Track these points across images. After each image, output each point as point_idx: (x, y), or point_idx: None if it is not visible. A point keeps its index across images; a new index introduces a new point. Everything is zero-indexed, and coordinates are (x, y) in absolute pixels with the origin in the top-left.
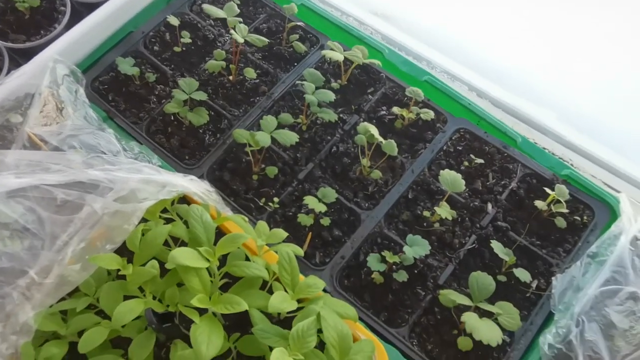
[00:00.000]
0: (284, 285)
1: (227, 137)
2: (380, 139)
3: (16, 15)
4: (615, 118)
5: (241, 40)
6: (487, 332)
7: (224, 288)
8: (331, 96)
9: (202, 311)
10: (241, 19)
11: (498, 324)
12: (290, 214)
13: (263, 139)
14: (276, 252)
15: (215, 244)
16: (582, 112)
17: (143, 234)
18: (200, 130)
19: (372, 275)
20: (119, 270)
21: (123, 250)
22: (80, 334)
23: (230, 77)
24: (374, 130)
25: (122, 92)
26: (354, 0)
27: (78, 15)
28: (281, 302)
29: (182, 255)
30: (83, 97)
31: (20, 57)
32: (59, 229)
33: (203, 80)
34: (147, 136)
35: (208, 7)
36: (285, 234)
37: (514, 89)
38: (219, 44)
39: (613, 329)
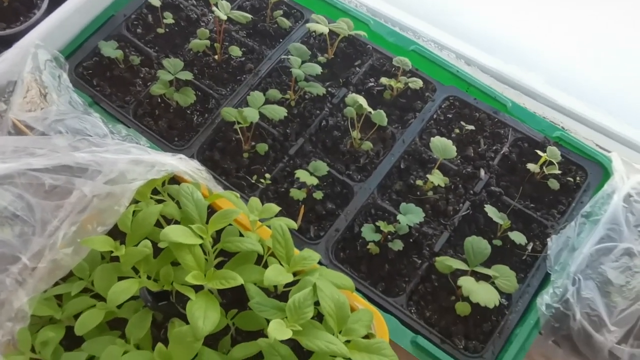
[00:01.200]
0: (278, 259)
1: (216, 116)
2: (369, 109)
3: None
4: (603, 78)
5: (224, 17)
6: (484, 295)
7: (220, 267)
8: (317, 69)
9: (197, 288)
10: None
11: (495, 287)
12: (283, 189)
13: (251, 114)
14: (269, 227)
15: (206, 221)
16: (571, 74)
17: (134, 215)
18: (188, 111)
19: (368, 246)
20: (112, 253)
21: (115, 233)
22: (76, 317)
23: (216, 57)
24: (362, 101)
25: (107, 77)
26: None
27: (57, 0)
28: (276, 275)
29: (175, 233)
30: (67, 82)
31: (3, 45)
32: (49, 215)
33: (188, 61)
34: (134, 119)
35: None
36: (277, 208)
37: (501, 54)
38: (202, 24)
39: (609, 286)
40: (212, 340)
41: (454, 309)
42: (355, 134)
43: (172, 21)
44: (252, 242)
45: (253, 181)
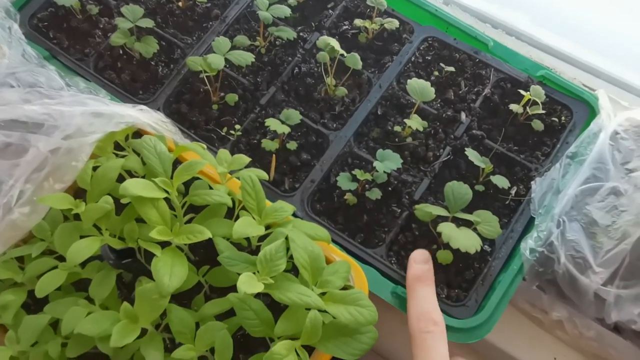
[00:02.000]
0: (249, 212)
1: (182, 67)
2: (342, 51)
3: None
4: (590, 16)
5: None
6: (464, 240)
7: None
8: (287, 11)
9: (164, 245)
10: None
11: (477, 234)
12: (255, 141)
13: (216, 61)
14: (239, 179)
15: (171, 175)
16: (557, 12)
17: (94, 171)
18: (152, 63)
19: (345, 197)
20: (72, 211)
21: (76, 191)
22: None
23: (180, 4)
24: (334, 43)
25: (64, 29)
26: None
27: None
28: (246, 227)
29: (136, 186)
30: (18, 33)
31: None
32: (4, 175)
33: (150, 9)
34: (95, 73)
35: None
36: (247, 159)
37: None
38: None
39: (595, 226)
40: (185, 299)
41: (436, 257)
42: (329, 80)
43: None
44: (220, 195)
45: (223, 133)
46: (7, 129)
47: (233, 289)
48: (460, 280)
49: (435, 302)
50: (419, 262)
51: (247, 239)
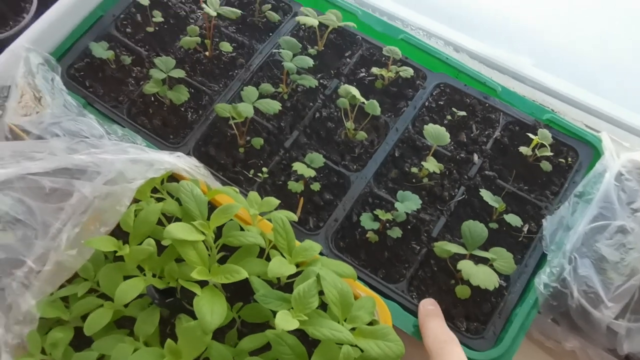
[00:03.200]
0: (280, 251)
1: (210, 112)
2: (362, 99)
3: None
4: (590, 59)
5: (214, 14)
6: (484, 277)
7: (222, 261)
8: (309, 62)
9: (202, 284)
10: None
11: (494, 270)
12: (280, 182)
13: (246, 109)
14: (270, 221)
15: (207, 217)
16: (558, 56)
17: (136, 214)
18: (182, 109)
19: (367, 235)
20: (115, 253)
21: (118, 233)
22: (83, 318)
23: (207, 53)
24: (355, 92)
25: (99, 78)
26: None
27: (45, 3)
28: (280, 266)
29: (178, 230)
30: (60, 84)
31: None
32: (50, 217)
33: (179, 58)
34: (128, 119)
35: None
36: (277, 202)
37: (489, 39)
38: (191, 20)
39: (605, 263)
40: (219, 334)
41: (454, 292)
42: (349, 124)
43: (161, 19)
44: (254, 236)
45: (250, 175)
46: (53, 176)
47: (264, 323)
48: (478, 314)
49: (447, 328)
50: (427, 304)
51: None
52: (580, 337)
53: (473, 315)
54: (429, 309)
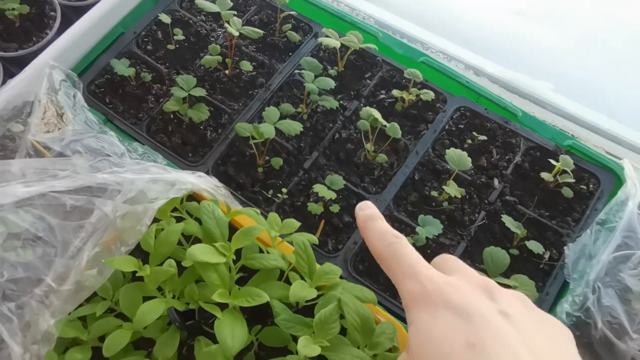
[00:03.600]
0: (301, 274)
1: (229, 131)
2: (384, 122)
3: (5, 24)
4: (611, 85)
5: (236, 34)
6: None
7: (240, 282)
8: (331, 83)
9: (222, 306)
10: (235, 12)
11: None
12: (299, 203)
13: (267, 130)
14: (289, 243)
15: (227, 238)
16: (579, 81)
17: (156, 235)
18: (201, 127)
19: None
20: (133, 272)
21: (136, 252)
22: (100, 338)
23: (227, 72)
24: (377, 114)
25: (119, 94)
26: None
27: (68, 20)
28: (301, 290)
29: (200, 252)
30: (81, 101)
31: (13, 66)
32: (70, 235)
33: (199, 77)
34: (148, 136)
35: (201, 2)
36: (297, 224)
37: (509, 63)
38: (212, 39)
39: (629, 293)
40: (236, 357)
41: None
42: (369, 146)
43: (182, 37)
44: (275, 259)
45: (269, 195)
46: (75, 193)
47: (283, 347)
48: None
49: (392, 229)
50: (364, 207)
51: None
52: None
53: None
54: (368, 213)
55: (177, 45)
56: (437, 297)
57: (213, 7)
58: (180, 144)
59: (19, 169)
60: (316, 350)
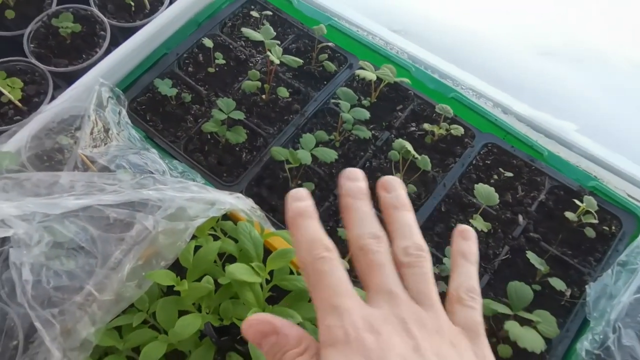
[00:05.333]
0: None
1: (264, 154)
2: (416, 154)
3: (57, 41)
4: (635, 129)
5: (277, 62)
6: (531, 340)
7: (269, 302)
8: (366, 114)
9: None
10: (279, 42)
11: (537, 332)
12: (329, 228)
13: (304, 156)
14: None
15: (263, 259)
16: (601, 123)
17: (194, 251)
18: (237, 148)
19: None
20: (169, 286)
21: (172, 267)
22: (134, 349)
23: (264, 97)
24: (409, 147)
25: (159, 112)
26: (379, 20)
27: (116, 39)
28: None
29: (239, 271)
30: (126, 118)
31: (62, 80)
32: (112, 247)
33: (237, 100)
34: (185, 154)
35: (246, 31)
36: None
37: (536, 103)
38: (250, 64)
39: None
40: None
41: (496, 350)
42: (399, 176)
43: (222, 61)
44: None
45: None
46: (117, 207)
47: None
48: None
49: (324, 232)
50: (297, 199)
51: None
52: None
53: None
54: (302, 206)
55: (217, 69)
56: (355, 342)
57: (257, 36)
58: (216, 164)
59: (68, 181)
60: None
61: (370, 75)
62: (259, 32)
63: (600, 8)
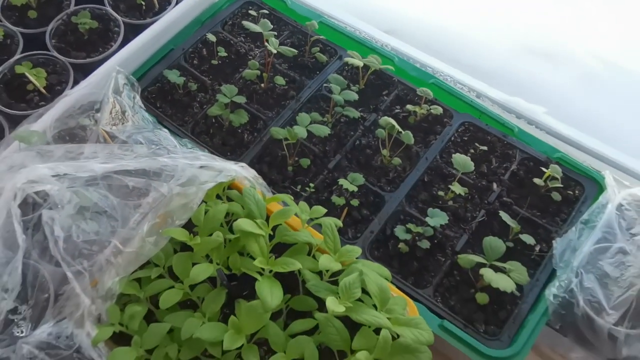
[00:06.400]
0: (327, 251)
1: (264, 135)
2: (400, 129)
3: (76, 36)
4: (595, 109)
5: (274, 51)
6: (503, 282)
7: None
8: (354, 96)
9: (260, 274)
10: (275, 33)
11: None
12: (323, 198)
13: (300, 131)
14: (314, 228)
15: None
16: (567, 106)
17: (205, 212)
18: (239, 130)
19: (399, 246)
20: (182, 246)
21: (186, 228)
22: (151, 299)
23: (262, 85)
24: (394, 122)
25: (168, 100)
26: (366, 19)
27: (128, 35)
28: (329, 262)
29: (246, 224)
30: (139, 102)
31: (80, 72)
32: (131, 211)
33: (238, 88)
34: (192, 136)
35: (247, 24)
36: (324, 210)
37: (507, 88)
38: (250, 57)
39: (607, 278)
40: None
41: (474, 299)
42: (385, 152)
43: (224, 54)
44: (306, 235)
45: (297, 190)
46: (135, 176)
47: (308, 313)
48: (495, 319)
49: None
50: None
51: (320, 273)
52: (585, 348)
53: (491, 320)
54: None
55: (220, 61)
56: None
57: (256, 28)
58: (221, 144)
59: (91, 152)
60: (341, 308)
61: (358, 62)
62: (257, 26)
63: (573, 13)
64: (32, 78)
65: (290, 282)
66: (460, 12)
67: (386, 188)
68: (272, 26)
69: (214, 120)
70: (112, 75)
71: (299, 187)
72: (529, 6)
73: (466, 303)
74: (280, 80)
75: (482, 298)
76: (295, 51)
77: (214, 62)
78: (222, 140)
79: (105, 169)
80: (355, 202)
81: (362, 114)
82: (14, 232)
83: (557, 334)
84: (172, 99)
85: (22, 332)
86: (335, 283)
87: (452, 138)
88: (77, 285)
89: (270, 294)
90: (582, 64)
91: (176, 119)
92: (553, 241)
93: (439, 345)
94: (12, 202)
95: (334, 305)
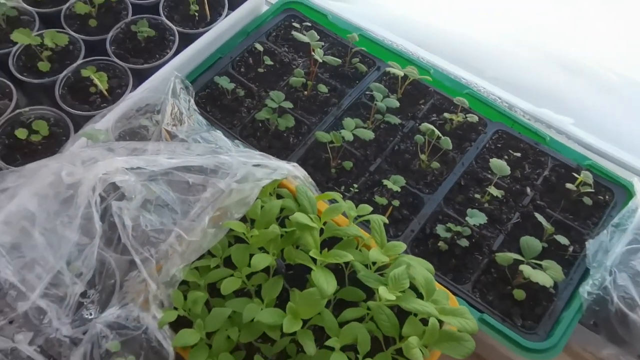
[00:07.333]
0: (375, 246)
1: (308, 139)
2: (439, 134)
3: (134, 44)
4: (624, 121)
5: (320, 60)
6: (542, 277)
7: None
8: (396, 103)
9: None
10: (322, 44)
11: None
12: (365, 198)
13: (347, 135)
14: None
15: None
16: (594, 117)
17: (261, 207)
18: (285, 134)
19: (438, 244)
20: (238, 239)
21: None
22: (210, 286)
23: (306, 92)
24: (434, 129)
25: (217, 105)
26: (398, 32)
27: (181, 44)
28: (378, 254)
29: (302, 217)
30: (194, 106)
31: (137, 77)
32: (189, 206)
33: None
34: (241, 139)
35: (296, 34)
36: (370, 208)
37: (536, 100)
38: (293, 66)
39: (639, 277)
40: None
41: (511, 295)
42: (424, 157)
43: (270, 63)
44: (356, 230)
45: (341, 191)
46: (194, 173)
47: (354, 305)
48: (532, 314)
49: None
50: None
51: (367, 266)
52: (617, 345)
53: (528, 315)
54: None
55: (265, 70)
56: None
57: (304, 38)
58: (267, 147)
59: (155, 149)
60: (392, 297)
61: (398, 72)
62: (305, 36)
63: (601, 31)
64: (96, 81)
65: (336, 275)
66: (485, 24)
67: (425, 190)
68: (318, 37)
69: (260, 124)
70: (171, 79)
71: (342, 187)
72: (565, 24)
73: (503, 299)
74: (323, 88)
75: (519, 294)
76: (339, 61)
77: (260, 70)
78: (268, 143)
79: (172, 163)
80: (396, 203)
81: (400, 120)
82: (91, 219)
83: (589, 332)
84: (221, 103)
85: (91, 314)
86: (381, 277)
87: (487, 145)
88: (145, 271)
89: (326, 282)
90: (608, 82)
91: (225, 123)
92: (586, 242)
93: None
94: (91, 192)
95: (385, 293)
